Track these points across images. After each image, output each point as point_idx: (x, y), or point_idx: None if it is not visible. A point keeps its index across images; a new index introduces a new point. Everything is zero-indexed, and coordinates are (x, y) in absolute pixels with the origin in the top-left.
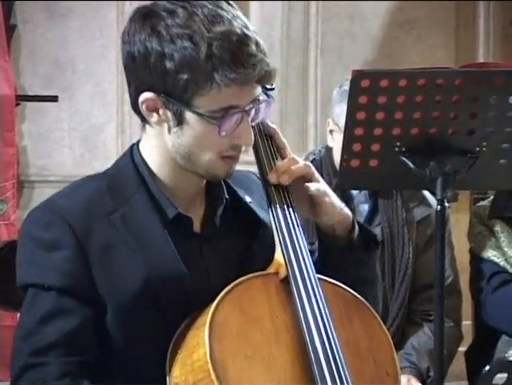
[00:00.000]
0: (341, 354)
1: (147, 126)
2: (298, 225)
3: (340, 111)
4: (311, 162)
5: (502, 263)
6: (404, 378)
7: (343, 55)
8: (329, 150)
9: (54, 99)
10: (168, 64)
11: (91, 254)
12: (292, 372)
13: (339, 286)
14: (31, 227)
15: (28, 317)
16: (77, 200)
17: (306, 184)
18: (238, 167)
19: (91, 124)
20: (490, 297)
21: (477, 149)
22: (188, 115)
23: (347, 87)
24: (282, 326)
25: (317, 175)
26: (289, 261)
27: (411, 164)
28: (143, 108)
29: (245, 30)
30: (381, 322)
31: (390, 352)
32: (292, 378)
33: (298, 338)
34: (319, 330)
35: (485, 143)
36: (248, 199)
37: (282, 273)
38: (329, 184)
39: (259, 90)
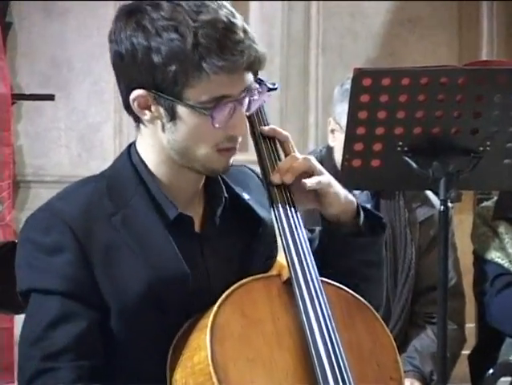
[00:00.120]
0: (344, 358)
1: (141, 126)
2: (300, 226)
3: (342, 110)
4: None
5: (506, 265)
6: (407, 382)
7: (345, 54)
8: (330, 150)
9: (50, 97)
10: (156, 58)
11: (93, 257)
12: (294, 376)
13: (342, 289)
14: (31, 231)
15: (34, 322)
16: (76, 202)
17: (309, 178)
18: None
19: (88, 123)
20: (494, 299)
21: (481, 149)
22: (181, 110)
23: (348, 86)
24: (284, 328)
25: (319, 167)
26: (291, 263)
27: (413, 164)
28: (134, 106)
29: (232, 18)
30: (384, 324)
31: (393, 355)
32: (294, 382)
33: (301, 341)
34: (322, 333)
35: (489, 143)
36: (246, 196)
37: (285, 275)
38: None
39: (250, 78)
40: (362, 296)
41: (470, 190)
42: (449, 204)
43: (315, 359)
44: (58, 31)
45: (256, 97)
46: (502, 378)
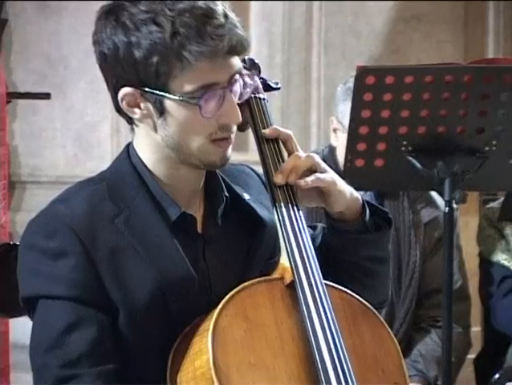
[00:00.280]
0: (349, 364)
1: (135, 127)
2: (304, 228)
3: (344, 109)
4: None
5: None
6: None
7: (347, 52)
8: (332, 149)
9: (46, 96)
10: (138, 53)
11: (99, 260)
12: (297, 381)
13: (346, 292)
14: (34, 236)
15: (45, 330)
16: (78, 205)
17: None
18: None
19: (84, 123)
20: (501, 302)
21: (487, 148)
22: (168, 103)
23: (351, 84)
24: (288, 333)
25: (322, 164)
26: (295, 266)
27: (418, 164)
28: (123, 105)
29: (211, 4)
30: (389, 329)
31: (398, 361)
32: None
33: (304, 346)
34: (327, 338)
35: (494, 142)
36: (246, 196)
37: (288, 278)
38: None
39: (237, 63)
40: (367, 290)
41: (476, 191)
42: (454, 206)
43: (319, 365)
44: (54, 29)
45: (249, 82)
46: (508, 383)
